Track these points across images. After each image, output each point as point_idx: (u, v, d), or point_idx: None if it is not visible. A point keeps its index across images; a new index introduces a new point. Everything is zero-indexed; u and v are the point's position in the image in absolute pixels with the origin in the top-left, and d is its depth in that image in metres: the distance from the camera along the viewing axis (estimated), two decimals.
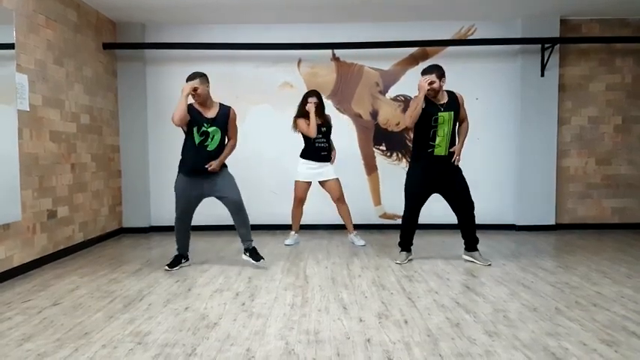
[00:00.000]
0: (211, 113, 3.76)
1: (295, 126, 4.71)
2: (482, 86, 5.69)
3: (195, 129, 3.71)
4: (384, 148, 5.77)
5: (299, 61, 5.70)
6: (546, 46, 5.41)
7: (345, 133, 5.62)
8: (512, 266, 3.90)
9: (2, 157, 3.48)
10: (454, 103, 3.89)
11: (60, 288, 3.36)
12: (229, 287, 3.34)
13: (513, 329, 2.51)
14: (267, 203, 5.71)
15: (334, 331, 2.50)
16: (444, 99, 3.89)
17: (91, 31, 4.97)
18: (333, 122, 4.87)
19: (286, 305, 2.93)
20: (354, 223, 4.85)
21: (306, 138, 4.70)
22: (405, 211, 4.10)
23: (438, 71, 3.82)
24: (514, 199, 5.73)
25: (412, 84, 5.61)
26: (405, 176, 4.13)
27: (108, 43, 5.30)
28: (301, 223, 4.93)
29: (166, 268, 3.83)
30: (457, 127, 3.98)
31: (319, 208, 5.30)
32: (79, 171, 4.68)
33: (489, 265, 3.92)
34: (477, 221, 4.00)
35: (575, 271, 3.72)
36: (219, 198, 3.85)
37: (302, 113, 4.66)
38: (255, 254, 3.88)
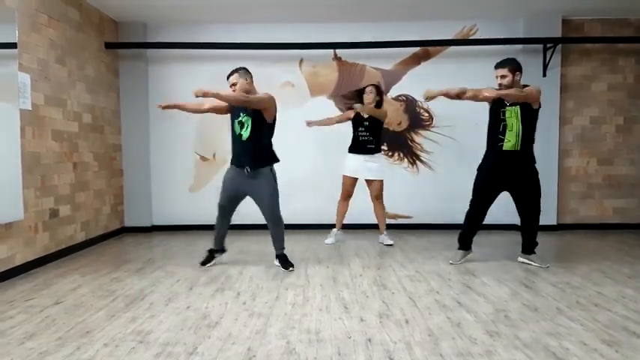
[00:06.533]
0: None
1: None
2: (484, 86, 5.65)
3: (234, 120, 3.73)
4: (386, 148, 5.76)
5: (301, 61, 5.70)
6: (548, 45, 5.40)
7: (345, 133, 5.61)
8: (513, 266, 3.89)
9: (4, 156, 3.49)
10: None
11: (62, 287, 3.37)
12: (231, 286, 3.34)
13: (514, 329, 2.51)
14: None
15: (335, 331, 2.50)
16: None
17: (93, 31, 4.98)
18: None
19: (287, 304, 2.94)
20: (354, 222, 4.84)
21: (353, 130, 4.68)
22: (469, 207, 3.95)
23: (510, 65, 3.72)
24: None
25: (414, 84, 5.66)
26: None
27: (110, 42, 5.30)
28: (303, 222, 4.92)
29: (200, 265, 3.87)
30: (530, 123, 3.72)
31: (320, 208, 5.30)
32: (81, 170, 4.69)
33: (547, 267, 3.80)
34: None
35: (577, 271, 3.72)
36: (257, 203, 3.78)
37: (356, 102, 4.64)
38: (284, 262, 3.83)
